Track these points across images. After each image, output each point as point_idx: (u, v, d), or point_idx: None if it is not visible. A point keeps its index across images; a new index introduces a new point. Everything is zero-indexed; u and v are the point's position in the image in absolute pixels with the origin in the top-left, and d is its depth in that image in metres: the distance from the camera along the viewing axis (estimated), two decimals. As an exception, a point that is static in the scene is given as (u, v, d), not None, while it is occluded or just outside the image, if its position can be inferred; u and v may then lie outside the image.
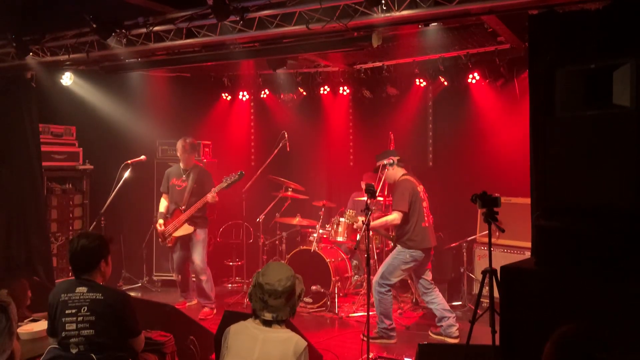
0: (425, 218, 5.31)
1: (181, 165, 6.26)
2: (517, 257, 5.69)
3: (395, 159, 5.46)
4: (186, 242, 6.17)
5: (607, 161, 2.71)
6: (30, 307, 4.52)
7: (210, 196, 5.92)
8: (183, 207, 6.07)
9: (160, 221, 6.16)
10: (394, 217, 5.24)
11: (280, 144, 6.80)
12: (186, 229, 6.09)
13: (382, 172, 5.68)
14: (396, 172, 5.46)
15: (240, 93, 8.04)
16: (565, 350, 1.70)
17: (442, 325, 5.31)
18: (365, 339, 4.57)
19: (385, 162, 5.55)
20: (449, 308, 5.40)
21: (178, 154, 6.22)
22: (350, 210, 5.94)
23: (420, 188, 5.38)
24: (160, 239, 6.25)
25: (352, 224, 5.91)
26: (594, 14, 3.40)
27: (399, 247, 5.31)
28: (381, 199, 6.20)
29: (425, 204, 5.37)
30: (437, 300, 5.37)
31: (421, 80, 6.77)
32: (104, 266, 3.23)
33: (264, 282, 2.66)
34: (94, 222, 5.84)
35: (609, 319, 2.52)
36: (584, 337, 1.71)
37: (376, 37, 4.39)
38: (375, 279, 5.33)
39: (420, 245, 5.23)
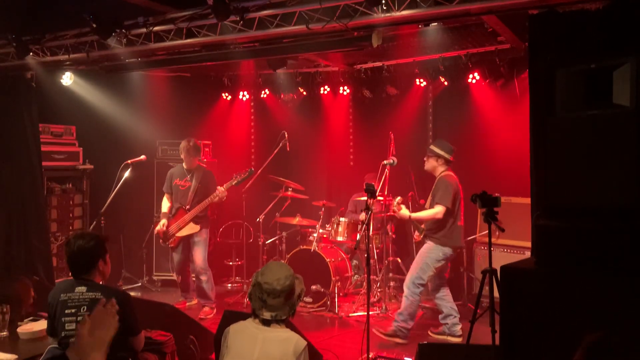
0: (461, 217, 5.29)
1: (184, 165, 6.25)
2: (517, 257, 5.68)
3: (447, 156, 5.33)
4: (187, 242, 6.17)
5: (607, 161, 2.71)
6: (33, 306, 4.52)
7: (221, 190, 5.90)
8: (187, 207, 6.07)
9: (164, 221, 6.15)
10: (438, 211, 5.15)
11: (280, 144, 6.80)
12: (191, 228, 6.07)
13: (382, 171, 5.68)
14: (441, 166, 5.37)
15: (240, 93, 8.05)
16: (596, 358, 1.70)
17: (446, 323, 5.30)
18: (380, 334, 4.62)
19: (385, 162, 5.55)
20: (456, 307, 5.39)
21: (182, 156, 6.21)
22: (399, 198, 5.61)
23: (460, 187, 5.34)
24: (161, 240, 6.24)
25: (397, 211, 5.51)
26: (594, 13, 3.40)
27: (431, 244, 5.23)
28: (381, 198, 6.19)
29: (462, 202, 5.33)
30: (447, 298, 5.36)
31: (421, 80, 6.77)
32: (102, 265, 3.23)
33: (263, 281, 2.66)
34: (94, 222, 5.84)
35: (610, 319, 2.52)
36: (614, 344, 1.70)
37: (376, 36, 4.39)
38: (409, 278, 5.25)
39: (453, 243, 5.21)
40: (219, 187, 5.94)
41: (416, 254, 6.32)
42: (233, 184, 5.96)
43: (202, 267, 6.08)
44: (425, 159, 5.47)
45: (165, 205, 6.31)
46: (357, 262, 7.00)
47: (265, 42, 4.93)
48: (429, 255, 5.22)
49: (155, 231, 6.25)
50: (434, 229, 5.24)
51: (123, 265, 7.32)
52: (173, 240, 6.13)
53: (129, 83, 7.16)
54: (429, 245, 5.27)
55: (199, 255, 6.08)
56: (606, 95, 2.74)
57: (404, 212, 5.27)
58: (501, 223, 3.72)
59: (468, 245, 6.33)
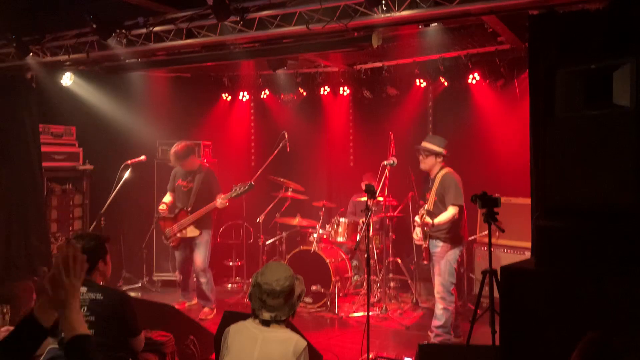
0: (465, 211, 5.19)
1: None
2: (517, 257, 5.69)
3: (444, 151, 5.20)
4: (189, 242, 6.15)
5: (607, 161, 2.71)
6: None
7: (220, 202, 5.88)
8: (189, 209, 6.05)
9: (163, 206, 6.11)
10: (454, 212, 4.99)
11: (280, 145, 6.78)
12: (192, 231, 6.04)
13: (382, 172, 5.67)
14: (438, 163, 5.25)
15: (241, 93, 8.04)
16: (593, 358, 1.69)
17: (433, 333, 5.10)
18: None
19: (385, 162, 5.53)
20: (449, 326, 5.06)
21: (172, 162, 6.12)
22: (424, 208, 5.41)
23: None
24: (163, 237, 6.23)
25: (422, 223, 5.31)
26: (594, 14, 3.40)
27: (447, 245, 5.07)
28: (381, 199, 6.18)
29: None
30: (450, 309, 5.10)
31: (421, 81, 6.76)
32: (102, 266, 3.23)
33: (262, 281, 2.66)
34: (94, 223, 5.83)
35: (610, 319, 2.52)
36: (612, 343, 1.70)
37: (376, 37, 4.40)
38: (442, 287, 5.02)
39: (464, 239, 5.18)
40: (218, 200, 5.90)
41: (416, 254, 6.31)
42: (232, 196, 5.88)
43: (202, 268, 6.06)
44: (420, 158, 5.29)
45: (167, 197, 6.29)
46: (357, 262, 7.00)
47: (265, 43, 4.94)
48: (452, 256, 5.08)
49: (159, 209, 6.16)
50: (447, 229, 5.06)
51: (123, 265, 7.31)
52: (174, 240, 6.13)
53: (129, 83, 7.15)
54: (446, 247, 5.08)
55: (199, 257, 6.06)
56: (606, 96, 2.74)
57: (427, 219, 5.15)
58: (501, 223, 3.72)
59: (468, 245, 6.31)
